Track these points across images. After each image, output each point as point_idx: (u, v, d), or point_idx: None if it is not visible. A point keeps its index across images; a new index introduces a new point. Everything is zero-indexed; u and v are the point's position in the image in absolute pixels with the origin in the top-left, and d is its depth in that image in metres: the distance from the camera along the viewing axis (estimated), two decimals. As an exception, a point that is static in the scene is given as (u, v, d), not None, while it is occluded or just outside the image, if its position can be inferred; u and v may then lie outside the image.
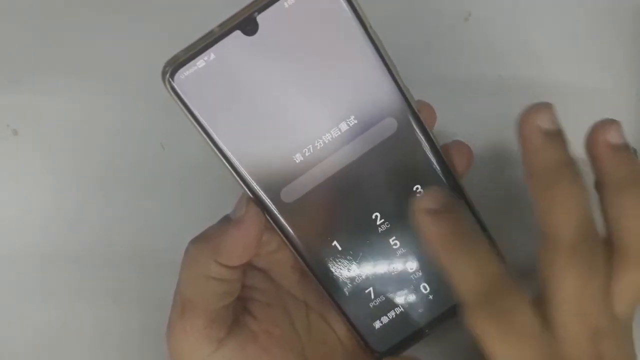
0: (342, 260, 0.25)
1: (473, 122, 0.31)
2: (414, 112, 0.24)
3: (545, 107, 0.22)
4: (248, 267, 0.25)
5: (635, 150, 0.31)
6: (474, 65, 0.31)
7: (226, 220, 0.24)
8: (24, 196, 0.32)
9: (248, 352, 0.24)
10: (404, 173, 0.25)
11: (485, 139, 0.31)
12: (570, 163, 0.22)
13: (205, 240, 0.24)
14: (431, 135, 0.24)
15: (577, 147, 0.22)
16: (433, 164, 0.25)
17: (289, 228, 0.24)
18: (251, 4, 0.22)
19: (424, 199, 0.22)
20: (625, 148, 0.22)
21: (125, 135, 0.32)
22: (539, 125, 0.21)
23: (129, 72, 0.32)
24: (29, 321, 0.32)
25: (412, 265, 0.26)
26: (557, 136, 0.22)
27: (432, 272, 0.26)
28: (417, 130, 0.24)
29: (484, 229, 0.26)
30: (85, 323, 0.32)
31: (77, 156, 0.32)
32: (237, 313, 0.25)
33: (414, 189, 0.25)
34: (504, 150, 0.31)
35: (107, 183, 0.32)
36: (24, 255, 0.32)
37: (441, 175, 0.25)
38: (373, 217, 0.25)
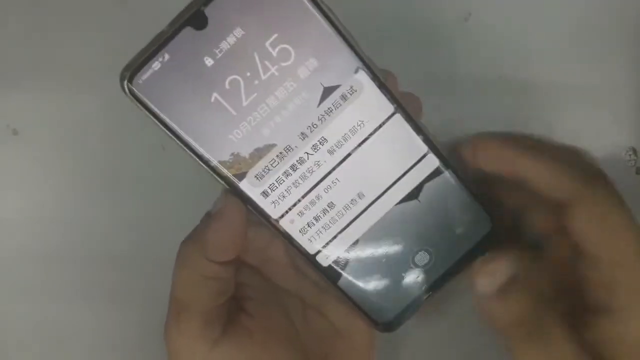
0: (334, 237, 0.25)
1: (473, 122, 0.31)
2: (378, 78, 0.23)
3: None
4: (241, 265, 0.25)
5: (635, 150, 0.31)
6: (474, 65, 0.32)
7: (208, 216, 0.24)
8: (24, 196, 0.32)
9: (244, 350, 0.24)
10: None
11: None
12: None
13: (192, 239, 0.24)
14: (396, 96, 0.24)
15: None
16: (405, 124, 0.24)
17: (272, 215, 0.24)
18: None
19: (482, 278, 0.21)
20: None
21: (126, 135, 0.32)
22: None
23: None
24: (29, 321, 0.32)
25: (406, 232, 0.25)
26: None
27: (426, 238, 0.25)
28: (380, 90, 0.23)
29: (470, 190, 0.25)
30: (85, 323, 0.32)
31: (77, 156, 0.32)
32: (232, 312, 0.25)
33: (398, 162, 0.24)
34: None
35: (107, 183, 0.32)
36: (23, 255, 0.32)
37: (412, 134, 0.24)
38: (359, 191, 0.24)
